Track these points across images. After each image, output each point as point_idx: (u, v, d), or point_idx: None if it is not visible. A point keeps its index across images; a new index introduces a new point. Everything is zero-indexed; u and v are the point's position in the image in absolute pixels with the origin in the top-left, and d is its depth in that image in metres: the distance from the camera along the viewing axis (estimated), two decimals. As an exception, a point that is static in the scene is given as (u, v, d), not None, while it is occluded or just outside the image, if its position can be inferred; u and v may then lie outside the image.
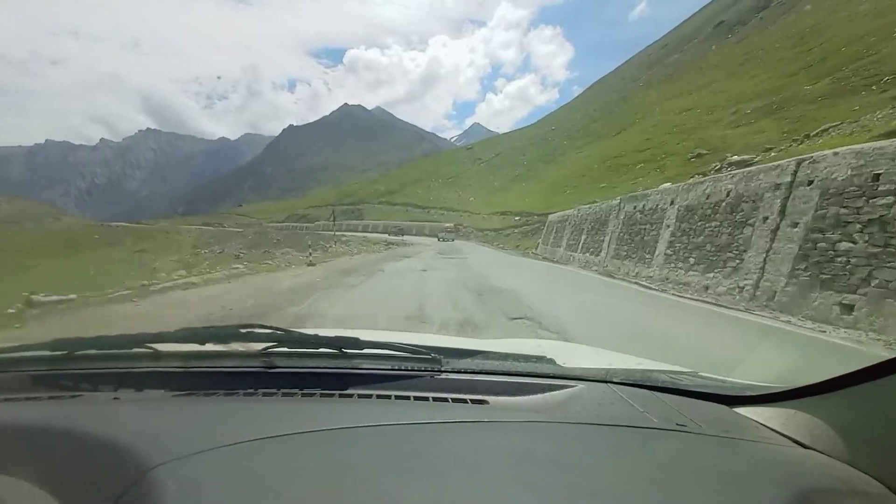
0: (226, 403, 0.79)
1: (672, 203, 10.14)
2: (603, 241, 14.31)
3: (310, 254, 14.20)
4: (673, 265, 9.48)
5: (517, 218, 33.86)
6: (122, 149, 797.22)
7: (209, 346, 0.93)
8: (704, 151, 30.18)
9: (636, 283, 10.11)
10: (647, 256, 10.79)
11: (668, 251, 9.81)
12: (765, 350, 4.40)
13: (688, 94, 49.62)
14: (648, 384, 0.94)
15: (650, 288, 9.20)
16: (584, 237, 16.54)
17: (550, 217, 23.95)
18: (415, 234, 40.49)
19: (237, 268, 10.76)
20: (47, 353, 0.91)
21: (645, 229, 11.30)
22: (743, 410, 0.85)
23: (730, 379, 1.05)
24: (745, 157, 16.81)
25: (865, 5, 43.83)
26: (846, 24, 41.83)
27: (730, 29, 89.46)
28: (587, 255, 15.63)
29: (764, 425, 0.79)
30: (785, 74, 39.15)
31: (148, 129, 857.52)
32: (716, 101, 41.55)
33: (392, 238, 34.44)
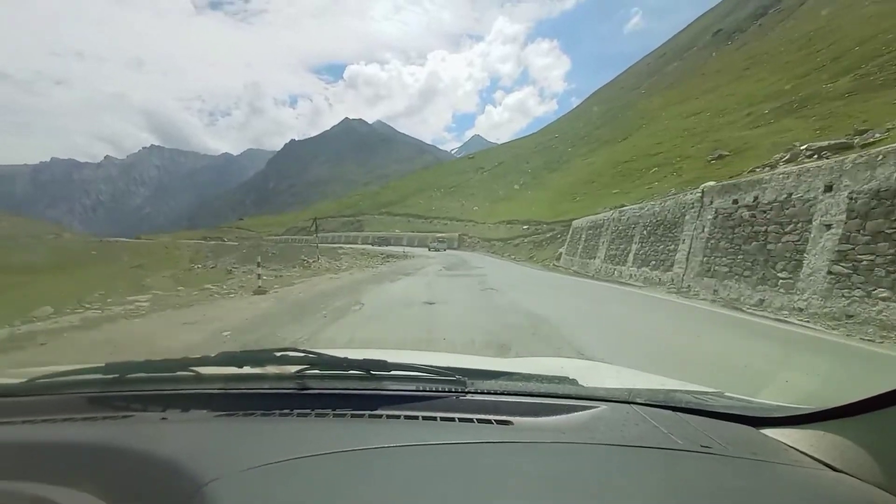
0: (264, 424, 0.82)
1: (831, 189, 6.74)
2: (674, 250, 11.20)
3: (259, 276, 9.98)
4: (855, 291, 5.97)
5: (525, 227, 32.29)
6: (127, 166, 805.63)
7: (246, 370, 0.98)
8: (725, 152, 29.03)
9: (777, 318, 6.49)
10: (782, 275, 7.34)
11: (841, 266, 6.27)
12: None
13: (694, 99, 48.69)
14: (672, 405, 0.92)
15: (817, 329, 5.63)
16: (635, 246, 13.53)
17: (576, 223, 21.22)
18: (416, 246, 38.58)
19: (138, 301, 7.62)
20: (100, 376, 0.97)
21: (767, 232, 7.89)
22: (770, 432, 0.83)
23: (756, 399, 1.02)
24: (833, 141, 12.73)
25: (870, 8, 43.31)
26: (853, 26, 41.32)
27: (728, 36, 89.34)
28: (646, 269, 12.50)
29: (792, 447, 0.77)
30: (795, 76, 38.35)
31: (152, 145, 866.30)
32: (725, 104, 40.55)
33: (389, 249, 32.32)
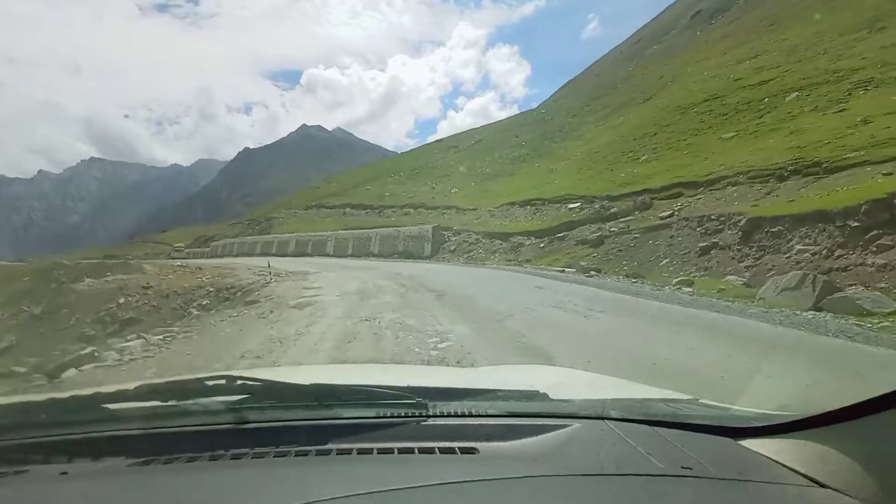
0: (188, 473, 0.71)
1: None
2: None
3: None
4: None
5: (559, 206, 17.08)
6: (63, 181, 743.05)
7: (171, 403, 0.83)
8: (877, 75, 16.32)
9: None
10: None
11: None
12: None
13: (736, 49, 36.17)
14: (648, 419, 0.88)
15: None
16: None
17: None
18: (349, 254, 20.77)
19: None
20: None
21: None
22: (750, 443, 0.80)
23: (733, 407, 0.99)
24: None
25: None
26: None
27: (710, 17, 79.71)
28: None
29: (775, 461, 0.74)
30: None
31: (92, 158, 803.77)
32: (794, 42, 28.20)
33: (276, 263, 17.13)
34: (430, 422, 0.83)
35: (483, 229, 18.01)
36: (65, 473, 0.71)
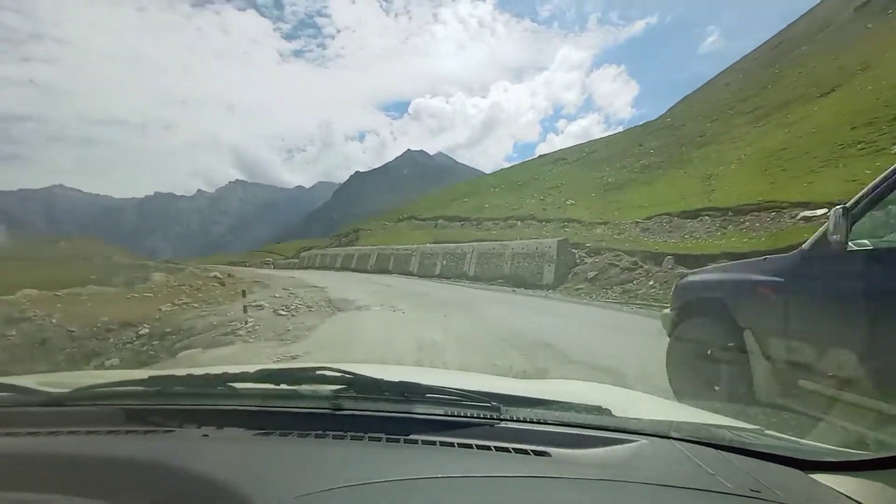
0: (302, 445, 0.82)
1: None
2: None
3: None
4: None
5: (751, 218, 11.63)
6: (214, 198, 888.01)
7: (283, 387, 0.97)
8: None
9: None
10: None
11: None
12: None
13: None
14: (714, 442, 0.86)
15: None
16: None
17: None
18: (434, 277, 16.58)
19: None
20: (142, 388, 1.00)
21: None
22: (821, 478, 0.76)
23: (804, 441, 0.97)
24: None
25: None
26: None
27: (883, 8, 63.21)
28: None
29: (848, 497, 0.70)
30: None
31: (237, 180, 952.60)
32: None
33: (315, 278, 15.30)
34: (504, 425, 0.88)
35: (636, 247, 12.08)
36: (205, 436, 0.83)
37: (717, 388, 2.47)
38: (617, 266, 11.21)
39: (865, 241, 1.88)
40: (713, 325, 2.58)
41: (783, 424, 2.06)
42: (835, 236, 1.88)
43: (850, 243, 1.87)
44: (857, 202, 1.89)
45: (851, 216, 1.86)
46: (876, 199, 1.86)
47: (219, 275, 15.92)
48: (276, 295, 9.44)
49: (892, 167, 1.83)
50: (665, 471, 0.75)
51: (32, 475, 0.70)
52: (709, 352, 2.54)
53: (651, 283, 9.99)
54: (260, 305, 8.10)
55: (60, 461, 0.74)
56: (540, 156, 54.90)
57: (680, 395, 2.67)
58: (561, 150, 53.01)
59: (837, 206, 1.90)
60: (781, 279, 2.21)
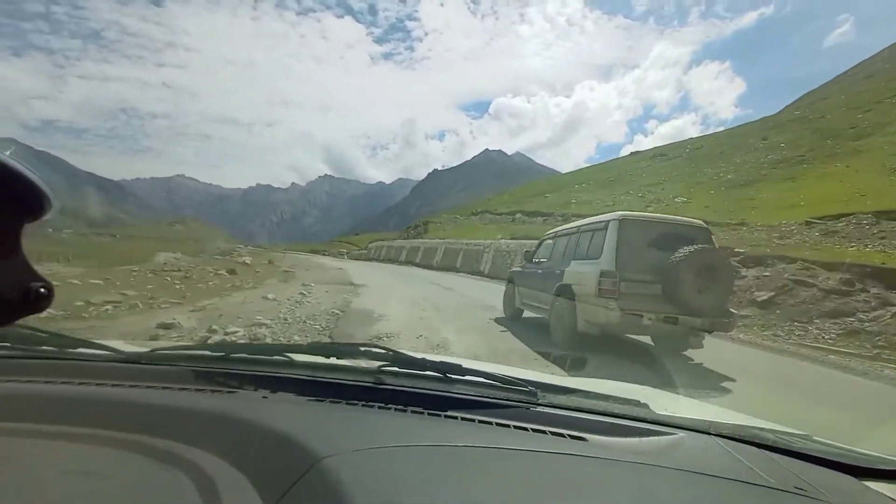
0: (352, 412, 0.87)
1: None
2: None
3: None
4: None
5: None
6: (305, 191, 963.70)
7: (333, 360, 1.05)
8: None
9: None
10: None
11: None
12: None
13: None
14: (756, 441, 0.83)
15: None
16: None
17: None
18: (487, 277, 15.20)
19: None
20: (208, 353, 1.12)
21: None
22: (875, 485, 0.72)
23: (857, 449, 0.89)
24: None
25: None
26: None
27: None
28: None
29: None
30: None
31: (325, 175, 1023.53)
32: None
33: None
34: (540, 409, 0.89)
35: (823, 257, 8.53)
36: (265, 398, 0.89)
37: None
38: (813, 285, 7.61)
39: (535, 259, 6.86)
40: (511, 284, 7.62)
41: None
42: (528, 257, 7.25)
43: (533, 259, 6.96)
44: (532, 249, 7.37)
45: (530, 253, 7.32)
46: (536, 247, 7.19)
47: (247, 261, 17.00)
48: (272, 296, 8.33)
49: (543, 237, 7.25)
50: (703, 462, 0.73)
51: (117, 420, 0.77)
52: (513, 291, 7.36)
53: (890, 316, 6.29)
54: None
55: (139, 409, 0.82)
56: (631, 153, 50.00)
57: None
58: (658, 146, 47.74)
59: (526, 250, 9.08)
60: (520, 269, 7.43)
